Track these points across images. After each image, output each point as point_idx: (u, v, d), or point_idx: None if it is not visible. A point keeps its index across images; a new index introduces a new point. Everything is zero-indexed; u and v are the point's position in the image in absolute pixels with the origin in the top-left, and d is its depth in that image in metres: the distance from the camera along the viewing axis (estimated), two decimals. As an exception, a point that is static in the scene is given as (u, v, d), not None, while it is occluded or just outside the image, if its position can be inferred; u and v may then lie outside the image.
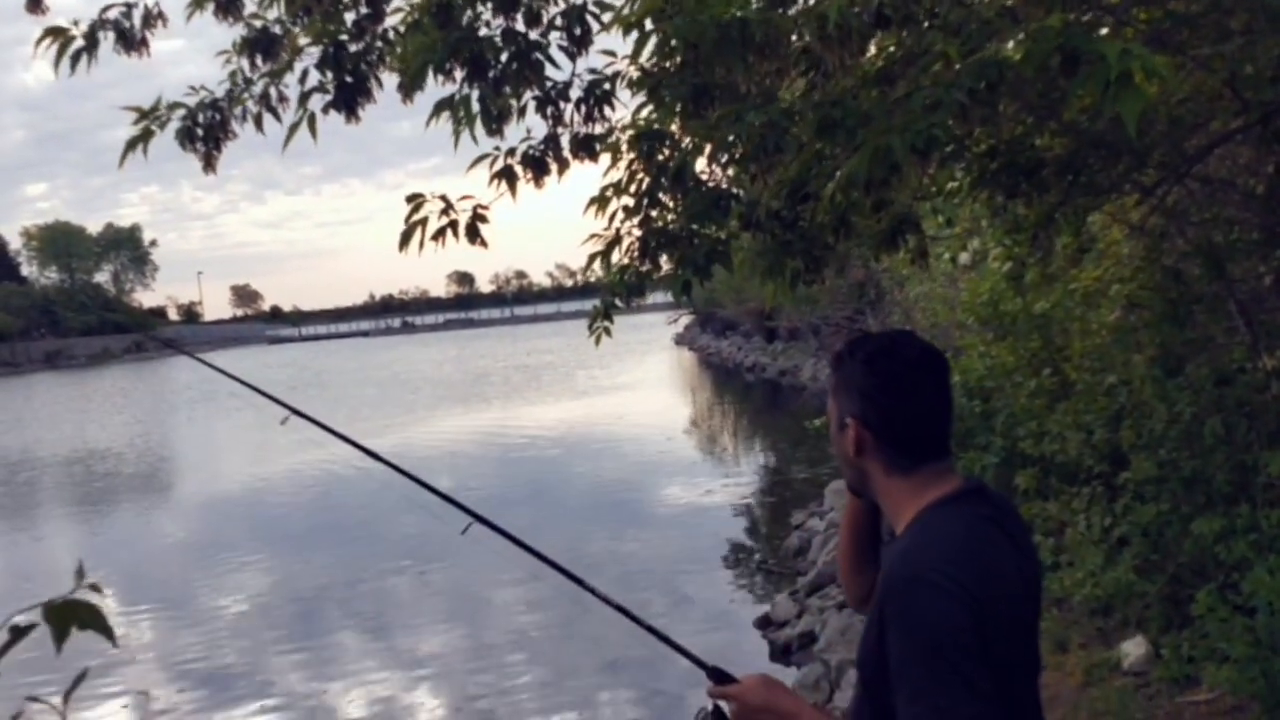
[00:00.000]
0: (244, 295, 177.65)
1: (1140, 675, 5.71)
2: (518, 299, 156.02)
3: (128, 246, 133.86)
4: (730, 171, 4.03)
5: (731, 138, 3.34)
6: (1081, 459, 6.78)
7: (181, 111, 3.58)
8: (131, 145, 3.56)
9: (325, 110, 3.41)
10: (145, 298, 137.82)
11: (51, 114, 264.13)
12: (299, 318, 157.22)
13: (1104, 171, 5.44)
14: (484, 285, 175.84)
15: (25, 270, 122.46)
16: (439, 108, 3.30)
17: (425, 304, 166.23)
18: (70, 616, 1.07)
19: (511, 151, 3.68)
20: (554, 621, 10.20)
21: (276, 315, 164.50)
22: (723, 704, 2.14)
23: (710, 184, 4.02)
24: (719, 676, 2.20)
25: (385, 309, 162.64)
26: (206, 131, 3.55)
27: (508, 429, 25.92)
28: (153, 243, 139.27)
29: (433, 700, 8.77)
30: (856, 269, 16.63)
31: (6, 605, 1.07)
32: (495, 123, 3.39)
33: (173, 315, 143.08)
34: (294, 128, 3.38)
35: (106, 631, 1.09)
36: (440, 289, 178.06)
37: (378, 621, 11.06)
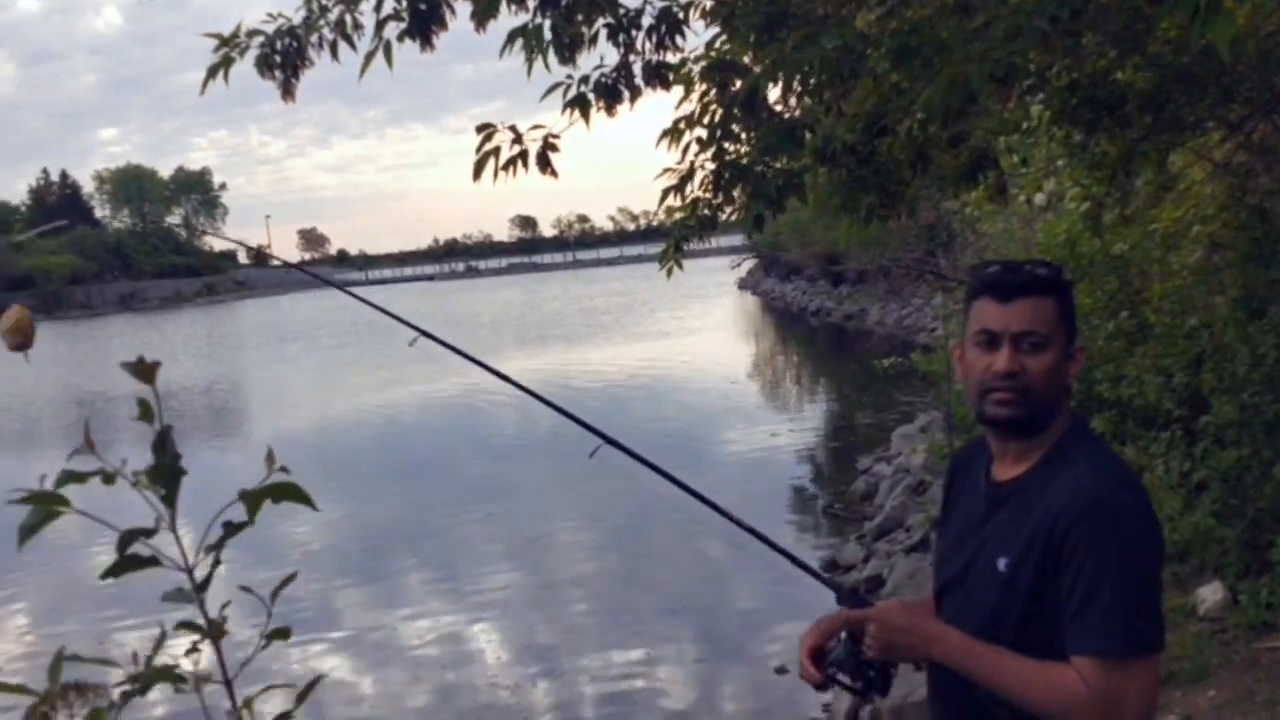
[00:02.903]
0: (311, 239, 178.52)
1: (1217, 621, 5.62)
2: (580, 243, 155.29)
3: (198, 190, 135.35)
4: (806, 101, 3.97)
5: (806, 65, 3.26)
6: (1160, 403, 6.65)
7: (260, 39, 3.58)
8: (213, 73, 3.57)
9: (400, 38, 3.39)
10: (215, 241, 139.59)
11: (122, 58, 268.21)
12: (365, 261, 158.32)
13: (1189, 106, 5.30)
14: (546, 229, 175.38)
15: (98, 213, 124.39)
16: (512, 36, 3.27)
17: (489, 248, 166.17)
18: (270, 497, 1.18)
19: (585, 79, 3.64)
20: (616, 566, 10.28)
21: (343, 259, 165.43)
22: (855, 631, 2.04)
23: (784, 116, 3.96)
24: (855, 600, 2.12)
25: (449, 253, 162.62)
26: (284, 59, 3.55)
27: (576, 370, 26.00)
28: (222, 186, 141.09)
29: (496, 634, 8.88)
30: (927, 210, 16.39)
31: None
32: (568, 51, 3.36)
33: (242, 258, 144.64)
34: (370, 55, 3.36)
35: (307, 500, 1.20)
36: (503, 233, 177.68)
37: (449, 558, 11.23)
